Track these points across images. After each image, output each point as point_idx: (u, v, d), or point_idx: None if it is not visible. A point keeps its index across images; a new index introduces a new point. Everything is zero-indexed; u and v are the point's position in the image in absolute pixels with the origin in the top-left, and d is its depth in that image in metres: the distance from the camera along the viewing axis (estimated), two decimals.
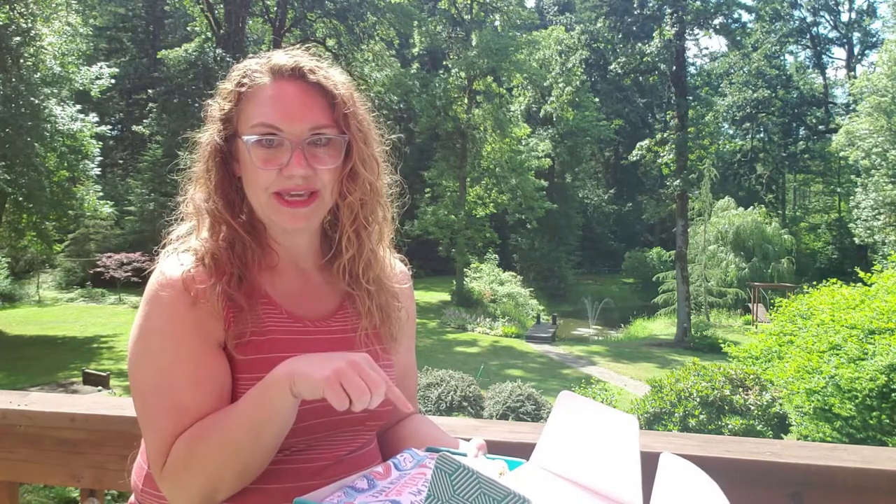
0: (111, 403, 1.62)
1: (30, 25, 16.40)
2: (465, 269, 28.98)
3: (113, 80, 20.01)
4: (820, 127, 44.07)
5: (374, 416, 1.12)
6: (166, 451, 0.97)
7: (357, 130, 1.09)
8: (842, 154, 31.69)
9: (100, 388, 12.22)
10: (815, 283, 14.70)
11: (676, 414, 8.98)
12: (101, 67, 19.04)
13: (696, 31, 25.94)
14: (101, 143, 18.94)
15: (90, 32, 26.98)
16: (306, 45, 1.15)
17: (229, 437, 0.93)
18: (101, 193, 19.52)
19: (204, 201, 1.09)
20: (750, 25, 38.14)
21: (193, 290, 1.01)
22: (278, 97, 1.05)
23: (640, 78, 32.30)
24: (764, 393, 9.24)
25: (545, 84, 32.80)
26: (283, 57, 1.08)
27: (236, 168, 1.10)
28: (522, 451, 1.13)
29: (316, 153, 1.05)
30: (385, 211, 1.17)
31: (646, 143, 26.53)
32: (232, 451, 0.93)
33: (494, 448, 1.24)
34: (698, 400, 9.04)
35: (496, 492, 0.69)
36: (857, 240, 30.47)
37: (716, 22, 25.05)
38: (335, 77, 1.09)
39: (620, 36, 26.04)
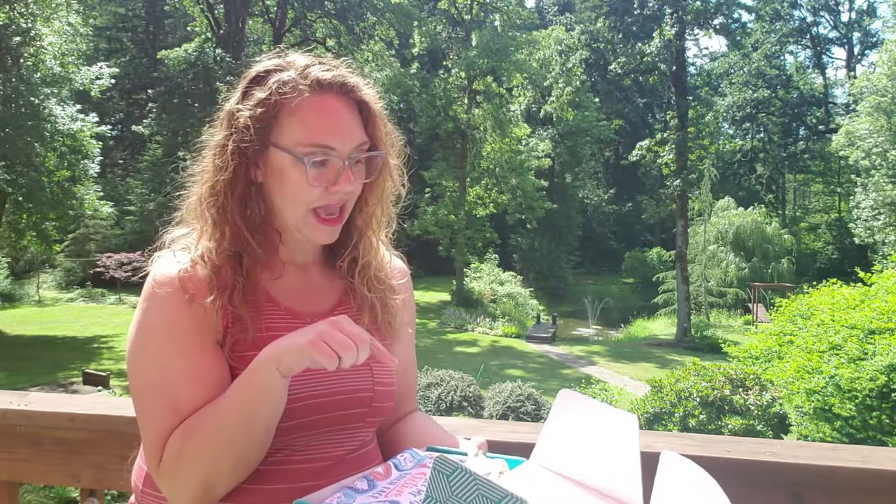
0: (111, 403, 1.62)
1: (30, 25, 16.40)
2: (465, 269, 28.98)
3: (113, 80, 20.01)
4: (820, 127, 44.07)
5: (375, 412, 1.12)
6: (162, 448, 0.97)
7: (390, 146, 1.13)
8: (842, 154, 31.70)
9: (100, 388, 12.22)
10: (815, 283, 14.72)
11: (676, 414, 8.98)
12: (101, 67, 19.04)
13: (696, 31, 25.93)
14: (101, 143, 18.94)
15: (90, 32, 27.01)
16: (345, 59, 1.13)
17: (221, 426, 0.93)
18: (101, 193, 19.53)
19: (214, 207, 1.06)
20: (750, 25, 38.14)
21: (190, 287, 1.01)
22: (328, 115, 1.04)
23: (640, 78, 32.30)
24: (764, 393, 9.24)
25: (545, 84, 32.80)
26: (324, 70, 1.06)
27: (257, 174, 1.07)
28: (523, 450, 1.13)
29: (357, 169, 1.08)
30: (388, 209, 1.19)
31: (646, 143, 26.53)
32: (225, 439, 0.93)
33: (495, 448, 1.24)
34: (698, 400, 9.05)
35: (494, 493, 0.69)
36: (857, 240, 30.46)
37: (716, 22, 25.04)
38: (371, 92, 1.10)
39: (620, 36, 26.04)
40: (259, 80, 1.07)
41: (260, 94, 1.04)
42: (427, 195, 32.00)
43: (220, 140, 1.07)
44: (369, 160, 1.10)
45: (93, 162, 18.52)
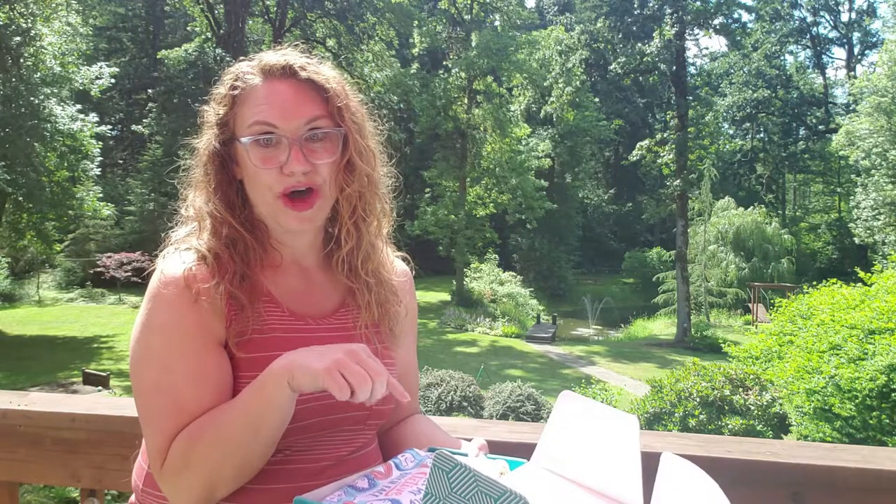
0: (111, 403, 1.62)
1: (30, 25, 16.39)
2: (465, 269, 28.97)
3: (113, 80, 19.99)
4: (820, 127, 44.09)
5: (375, 414, 1.12)
6: (166, 449, 0.97)
7: (352, 122, 1.10)
8: (842, 154, 31.70)
9: (100, 388, 12.21)
10: (815, 283, 14.70)
11: (676, 414, 8.98)
12: (101, 67, 19.02)
13: (696, 31, 25.94)
14: (101, 143, 18.93)
15: (90, 32, 27.03)
16: (295, 43, 1.15)
17: (228, 433, 0.93)
18: (101, 195, 19.52)
19: (206, 207, 1.09)
20: (750, 25, 38.16)
21: (195, 287, 1.02)
22: (271, 96, 1.05)
23: (640, 78, 32.30)
24: (764, 393, 9.24)
25: (545, 84, 32.79)
26: (273, 56, 1.09)
27: (236, 171, 1.10)
28: (523, 451, 1.13)
29: (313, 148, 1.06)
30: (383, 203, 1.17)
31: (646, 143, 26.51)
32: (231, 446, 0.93)
33: (495, 448, 1.24)
34: (698, 400, 9.05)
35: (493, 490, 0.69)
36: (857, 240, 30.47)
37: (716, 22, 25.05)
38: (326, 72, 1.10)
39: (620, 36, 26.04)
40: (221, 80, 1.11)
41: (220, 90, 1.09)
42: (427, 195, 31.99)
43: (200, 142, 1.11)
44: (329, 138, 1.07)
45: (93, 162, 18.51)
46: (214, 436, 0.93)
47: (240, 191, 1.11)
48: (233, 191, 1.10)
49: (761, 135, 47.30)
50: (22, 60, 16.55)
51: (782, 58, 46.29)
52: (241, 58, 1.13)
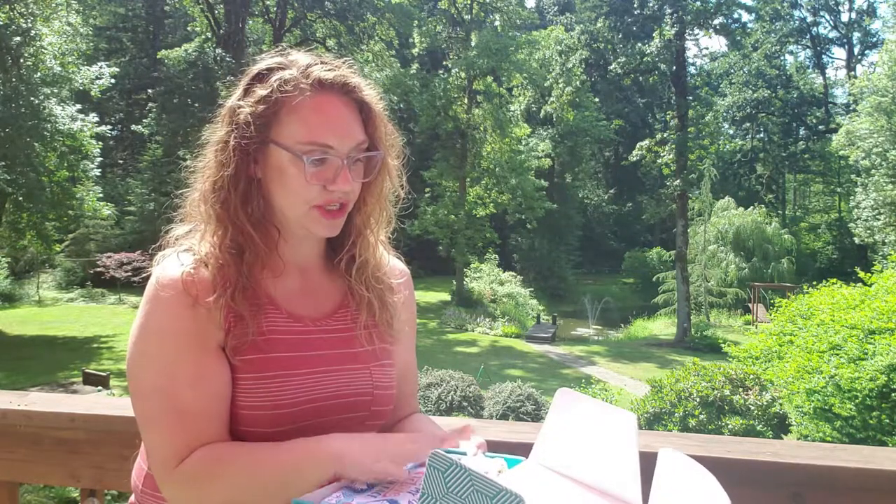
0: (111, 403, 1.62)
1: (30, 25, 16.40)
2: (465, 269, 28.97)
3: (113, 80, 20.00)
4: (820, 127, 44.09)
5: (374, 415, 1.12)
6: (174, 452, 0.96)
7: (390, 146, 1.13)
8: (842, 154, 31.70)
9: (100, 388, 12.22)
10: (815, 283, 14.70)
11: (676, 414, 8.98)
12: (101, 67, 19.04)
13: (696, 31, 25.92)
14: (101, 143, 18.94)
15: (90, 32, 27.04)
16: (344, 60, 1.13)
17: (259, 475, 0.94)
18: (101, 195, 19.52)
19: (217, 203, 1.06)
20: (750, 25, 38.17)
21: (193, 291, 1.01)
22: (326, 113, 1.04)
23: (640, 78, 32.23)
24: (764, 393, 9.24)
25: (545, 84, 32.79)
26: (326, 69, 1.07)
27: (255, 170, 1.07)
28: (523, 450, 1.13)
29: (356, 168, 1.08)
30: (386, 208, 1.19)
31: (646, 143, 26.51)
32: (257, 484, 0.94)
33: (495, 448, 1.24)
34: (698, 400, 9.05)
35: (489, 489, 0.69)
36: (857, 240, 30.46)
37: (716, 22, 25.05)
38: (372, 93, 1.11)
39: (620, 36, 26.03)
40: (261, 77, 1.07)
41: (261, 91, 1.05)
42: (427, 195, 31.98)
43: (221, 136, 1.07)
44: (368, 160, 1.10)
45: (93, 162, 18.53)
46: (245, 468, 0.94)
47: (254, 191, 1.08)
48: (249, 191, 1.07)
49: (761, 135, 47.31)
50: (22, 60, 16.55)
51: (782, 58, 46.32)
52: (272, 54, 1.10)
